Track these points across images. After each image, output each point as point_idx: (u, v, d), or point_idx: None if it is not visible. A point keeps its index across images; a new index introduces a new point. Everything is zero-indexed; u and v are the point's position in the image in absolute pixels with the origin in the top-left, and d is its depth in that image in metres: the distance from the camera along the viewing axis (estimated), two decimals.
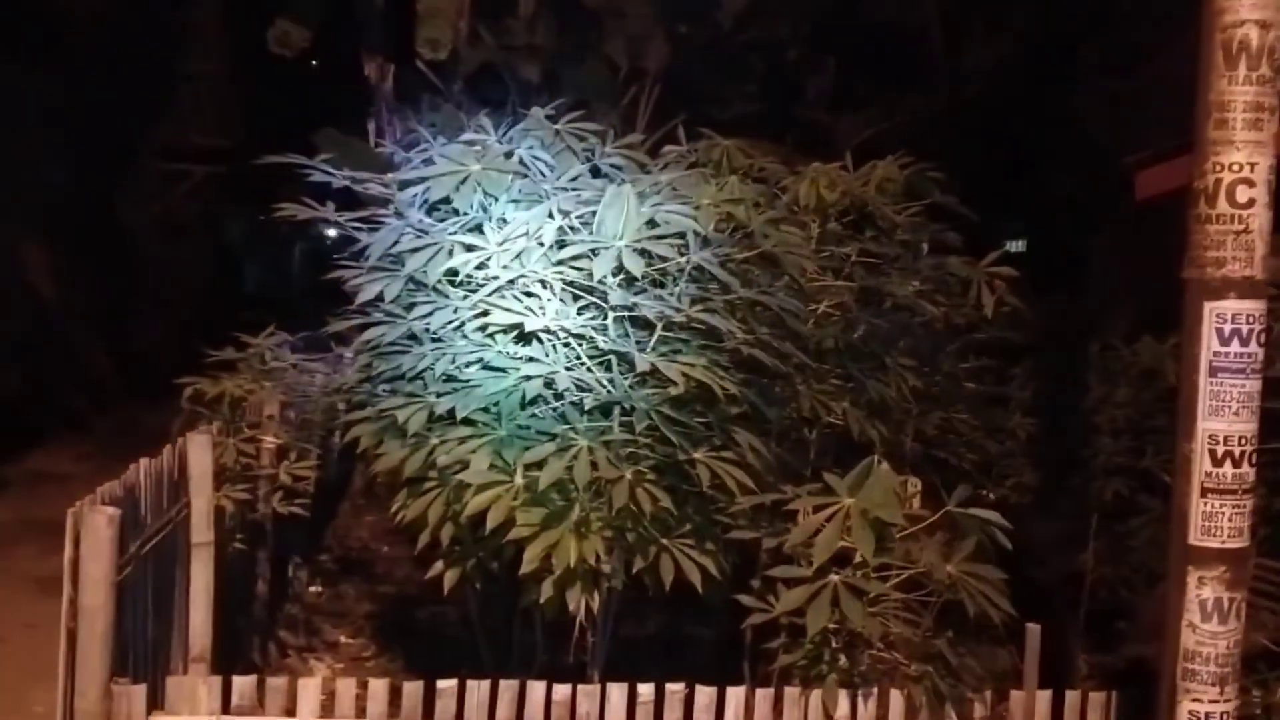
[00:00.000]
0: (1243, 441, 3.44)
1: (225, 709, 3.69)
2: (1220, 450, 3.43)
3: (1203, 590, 3.46)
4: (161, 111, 16.84)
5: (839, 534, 3.69)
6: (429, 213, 4.43)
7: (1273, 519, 5.37)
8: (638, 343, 4.01)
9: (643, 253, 4.00)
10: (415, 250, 4.22)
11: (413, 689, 3.76)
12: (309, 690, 3.74)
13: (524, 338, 4.08)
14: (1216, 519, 3.44)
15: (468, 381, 4.03)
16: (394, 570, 7.72)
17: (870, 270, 5.39)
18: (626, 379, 4.00)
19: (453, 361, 4.05)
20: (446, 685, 3.74)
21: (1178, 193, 3.81)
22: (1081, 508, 6.53)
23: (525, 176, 4.36)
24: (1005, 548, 3.92)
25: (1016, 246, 13.98)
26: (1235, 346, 3.41)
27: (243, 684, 3.72)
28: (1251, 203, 3.39)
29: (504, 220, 4.26)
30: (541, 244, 4.09)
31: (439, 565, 4.19)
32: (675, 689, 3.79)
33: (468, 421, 3.94)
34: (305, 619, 6.72)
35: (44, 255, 13.99)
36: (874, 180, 5.54)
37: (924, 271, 5.60)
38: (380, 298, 4.26)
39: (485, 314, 4.09)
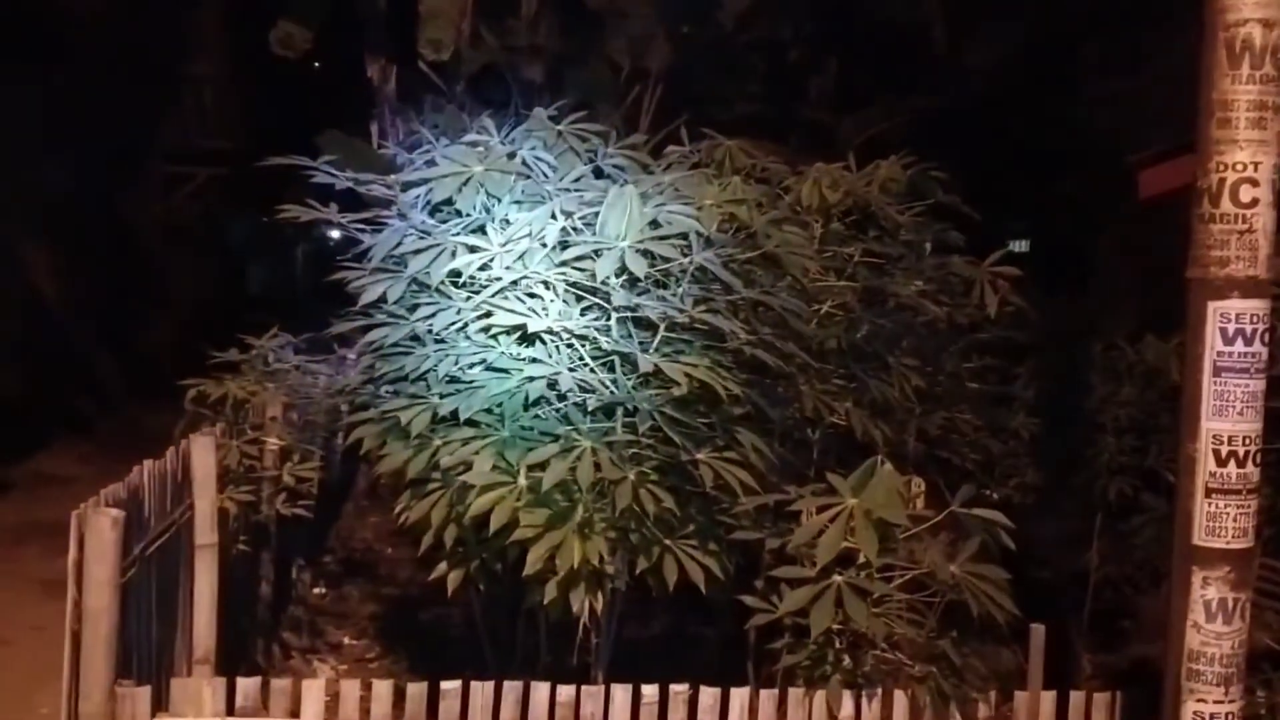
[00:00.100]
0: (1247, 441, 3.44)
1: (229, 711, 3.69)
2: (1224, 450, 3.43)
3: (1207, 590, 3.46)
4: (164, 113, 16.87)
5: (842, 534, 3.69)
6: (432, 214, 4.43)
7: (1278, 519, 5.37)
8: (641, 343, 4.01)
9: (645, 253, 4.00)
10: (418, 251, 4.22)
11: (417, 690, 3.76)
12: (313, 692, 3.75)
13: (527, 339, 4.07)
14: (1221, 519, 3.44)
15: (471, 383, 4.03)
16: (397, 571, 7.72)
17: (873, 270, 5.39)
18: (629, 380, 3.99)
19: (456, 363, 4.05)
20: (450, 686, 3.75)
21: (1181, 192, 3.81)
22: (1085, 507, 6.53)
23: (528, 177, 4.36)
24: (1009, 548, 3.92)
25: (1020, 246, 13.97)
26: (1239, 346, 3.41)
27: (247, 686, 3.72)
28: (1255, 202, 3.38)
29: (507, 221, 4.25)
30: (544, 245, 4.09)
31: (442, 566, 4.18)
32: (679, 690, 3.79)
33: (471, 423, 3.94)
34: (309, 620, 6.73)
35: (47, 257, 14.01)
36: (877, 180, 5.54)
37: (927, 271, 5.59)
38: (383, 299, 4.26)
39: (488, 315, 4.09)
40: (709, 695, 3.81)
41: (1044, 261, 12.29)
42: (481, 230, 4.28)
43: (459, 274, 4.16)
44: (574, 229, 4.13)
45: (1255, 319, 3.41)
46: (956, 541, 3.93)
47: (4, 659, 6.02)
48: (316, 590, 7.36)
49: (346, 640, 6.62)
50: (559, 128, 4.61)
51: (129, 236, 15.96)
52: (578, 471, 3.72)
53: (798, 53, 12.84)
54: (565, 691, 3.76)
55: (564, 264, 4.08)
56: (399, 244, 4.31)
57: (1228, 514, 3.44)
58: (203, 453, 4.56)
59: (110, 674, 3.52)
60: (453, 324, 4.12)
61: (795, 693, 3.84)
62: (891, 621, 3.84)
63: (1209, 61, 3.43)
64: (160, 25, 15.43)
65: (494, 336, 4.11)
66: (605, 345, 4.03)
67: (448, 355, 4.07)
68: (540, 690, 3.76)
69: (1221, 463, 3.43)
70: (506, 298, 4.11)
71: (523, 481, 3.83)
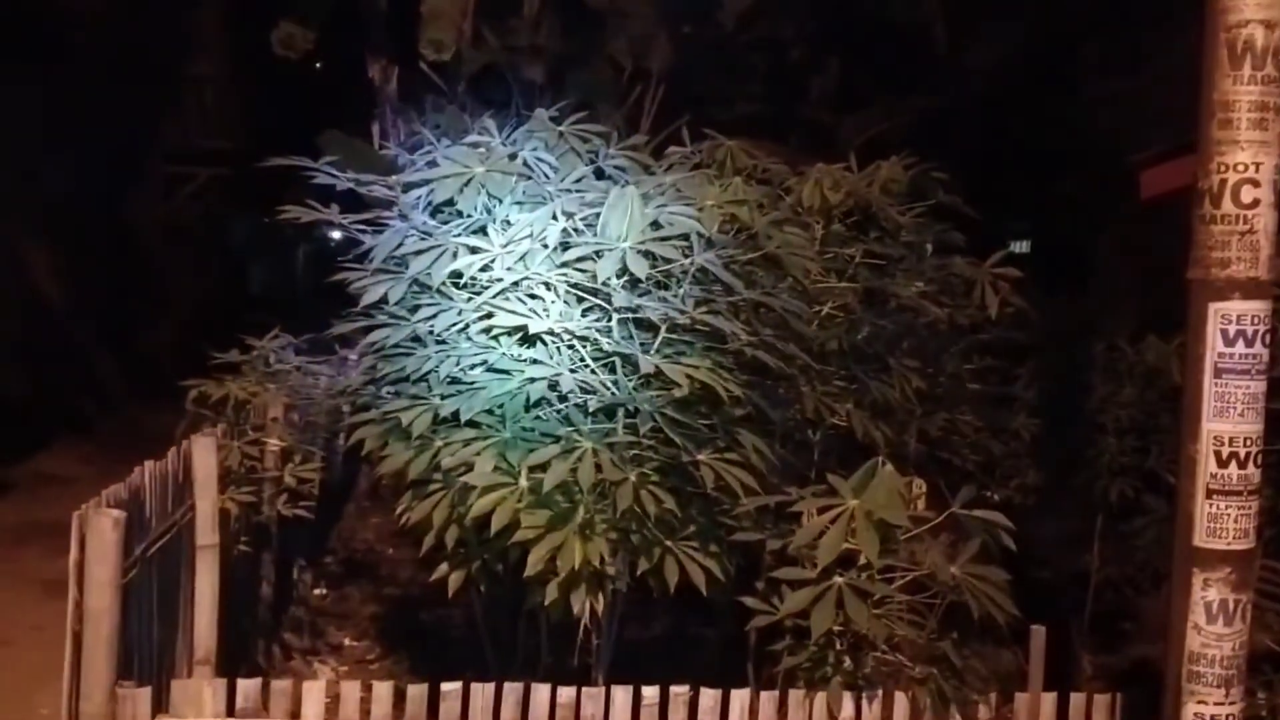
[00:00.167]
0: (1248, 442, 3.44)
1: (230, 712, 3.69)
2: (1225, 451, 3.43)
3: (1208, 592, 3.46)
4: (165, 113, 16.88)
5: (843, 536, 3.69)
6: (433, 215, 4.43)
7: (1279, 520, 5.37)
8: (642, 345, 4.01)
9: (647, 254, 4.00)
10: (419, 252, 4.22)
11: (417, 692, 3.76)
12: (313, 693, 3.75)
13: (528, 340, 4.07)
14: (1222, 520, 3.44)
15: (472, 384, 4.03)
16: (398, 572, 7.72)
17: (874, 271, 5.39)
18: (631, 381, 3.99)
19: (457, 364, 4.05)
20: (451, 688, 3.75)
21: (1182, 192, 3.81)
22: (1086, 508, 6.53)
23: (529, 178, 4.36)
24: (1010, 549, 3.92)
25: (1020, 247, 13.97)
26: (1240, 347, 3.41)
27: (247, 687, 3.72)
28: (1256, 203, 3.38)
29: (508, 222, 4.25)
30: (545, 246, 4.09)
31: (443, 567, 4.18)
32: (680, 691, 3.79)
33: (472, 424, 3.94)
34: (310, 621, 6.73)
35: (48, 257, 14.02)
36: (878, 181, 5.54)
37: (928, 272, 5.59)
38: (384, 300, 4.26)
39: (489, 316, 4.09)
40: (709, 697, 3.81)
41: (1045, 262, 12.29)
42: (483, 231, 4.28)
43: (460, 275, 4.16)
44: (575, 230, 4.13)
45: (1256, 320, 3.41)
46: (957, 543, 3.93)
47: (5, 659, 6.02)
48: (317, 591, 7.36)
49: (347, 641, 6.62)
50: (560, 128, 4.61)
51: (130, 237, 15.97)
52: (579, 473, 3.72)
53: (799, 53, 12.84)
54: (566, 693, 3.76)
55: (565, 265, 4.08)
56: (400, 245, 4.31)
57: (1228, 515, 3.44)
58: (204, 453, 4.56)
59: (111, 675, 3.52)
60: (454, 325, 4.12)
61: (796, 694, 3.84)
62: (892, 623, 3.84)
63: (1210, 62, 3.43)
64: (161, 25, 15.44)
65: (495, 337, 4.11)
66: (606, 346, 4.03)
67: (449, 356, 4.07)
68: (541, 691, 3.76)
69: (1222, 464, 3.43)
70: (508, 299, 4.10)
71: (524, 482, 3.83)
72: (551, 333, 4.04)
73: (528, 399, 3.94)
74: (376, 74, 11.21)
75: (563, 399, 3.96)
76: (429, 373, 4.09)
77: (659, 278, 4.15)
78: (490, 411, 3.96)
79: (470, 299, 4.15)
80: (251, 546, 5.62)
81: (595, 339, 4.03)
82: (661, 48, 10.63)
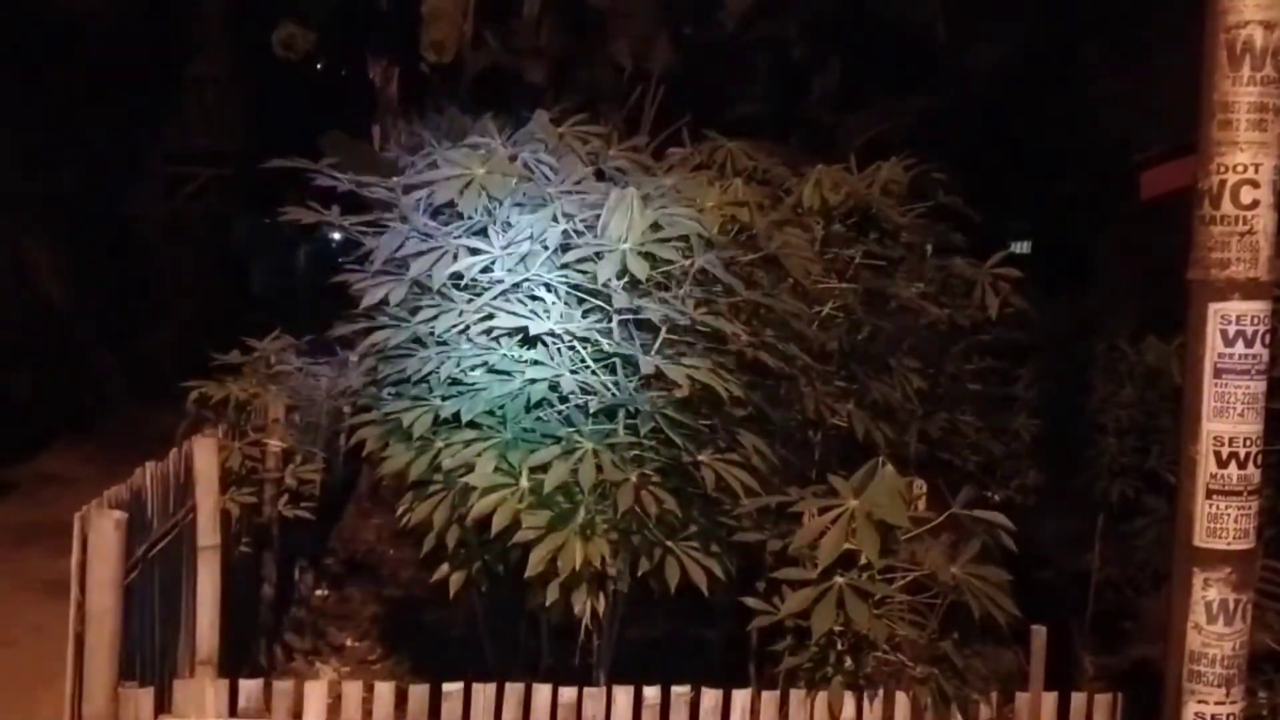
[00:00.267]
0: (1248, 443, 3.44)
1: (232, 712, 3.69)
2: (1225, 452, 3.43)
3: (1208, 592, 3.46)
4: (167, 114, 16.88)
5: (844, 536, 3.69)
6: (433, 216, 4.43)
7: (1279, 520, 5.37)
8: (642, 346, 4.01)
9: (647, 256, 4.00)
10: (420, 254, 4.22)
11: (419, 692, 3.76)
12: (315, 693, 3.75)
13: (529, 341, 4.08)
14: (1222, 520, 3.44)
15: (473, 385, 4.03)
16: (399, 573, 7.72)
17: (874, 272, 5.39)
18: (631, 382, 4.00)
19: (458, 365, 4.05)
20: (452, 688, 3.75)
21: (1182, 193, 3.81)
22: (1086, 508, 6.53)
23: (530, 180, 4.36)
24: (1010, 549, 3.92)
25: (1021, 247, 13.97)
26: (1240, 348, 3.41)
27: (249, 687, 3.72)
28: (1256, 204, 3.38)
29: (508, 224, 4.26)
30: (546, 247, 4.10)
31: (444, 568, 4.19)
32: (681, 691, 3.80)
33: (473, 425, 3.94)
34: (311, 622, 6.73)
35: (49, 257, 14.03)
36: (878, 181, 5.55)
37: (928, 273, 5.60)
38: (385, 301, 4.27)
39: (490, 317, 4.09)
40: (711, 697, 3.81)
41: (1045, 262, 12.30)
42: (483, 233, 4.28)
43: (461, 276, 4.17)
44: (576, 231, 4.13)
45: (1256, 321, 3.41)
46: (958, 543, 3.93)
47: (6, 660, 6.02)
48: (319, 592, 7.36)
49: (349, 642, 6.62)
50: (561, 130, 4.61)
51: (131, 237, 15.98)
52: (579, 473, 3.73)
53: (799, 53, 12.84)
54: (567, 693, 3.76)
55: (565, 266, 4.08)
56: (401, 246, 4.31)
57: (1229, 515, 3.44)
58: (205, 454, 4.57)
59: (113, 675, 3.53)
60: (454, 326, 4.12)
61: (797, 694, 3.85)
62: (893, 623, 3.84)
63: (1210, 63, 3.43)
64: (163, 26, 15.45)
65: (496, 339, 4.12)
66: (607, 347, 4.03)
67: (450, 357, 4.08)
68: (542, 692, 3.76)
69: (1222, 464, 3.43)
70: (508, 300, 4.11)
71: (525, 483, 3.83)
72: (552, 334, 4.04)
73: (528, 400, 3.94)
74: (377, 75, 11.23)
75: (563, 400, 3.97)
76: (430, 374, 4.09)
77: (659, 279, 4.15)
78: (491, 412, 3.97)
79: (471, 300, 4.15)
80: (253, 547, 5.63)
81: (596, 340, 4.04)
82: (662, 48, 10.65)
